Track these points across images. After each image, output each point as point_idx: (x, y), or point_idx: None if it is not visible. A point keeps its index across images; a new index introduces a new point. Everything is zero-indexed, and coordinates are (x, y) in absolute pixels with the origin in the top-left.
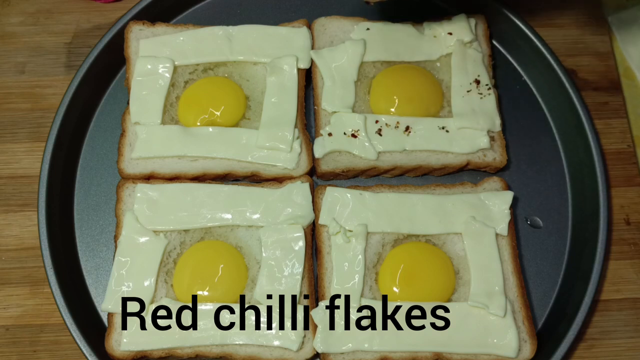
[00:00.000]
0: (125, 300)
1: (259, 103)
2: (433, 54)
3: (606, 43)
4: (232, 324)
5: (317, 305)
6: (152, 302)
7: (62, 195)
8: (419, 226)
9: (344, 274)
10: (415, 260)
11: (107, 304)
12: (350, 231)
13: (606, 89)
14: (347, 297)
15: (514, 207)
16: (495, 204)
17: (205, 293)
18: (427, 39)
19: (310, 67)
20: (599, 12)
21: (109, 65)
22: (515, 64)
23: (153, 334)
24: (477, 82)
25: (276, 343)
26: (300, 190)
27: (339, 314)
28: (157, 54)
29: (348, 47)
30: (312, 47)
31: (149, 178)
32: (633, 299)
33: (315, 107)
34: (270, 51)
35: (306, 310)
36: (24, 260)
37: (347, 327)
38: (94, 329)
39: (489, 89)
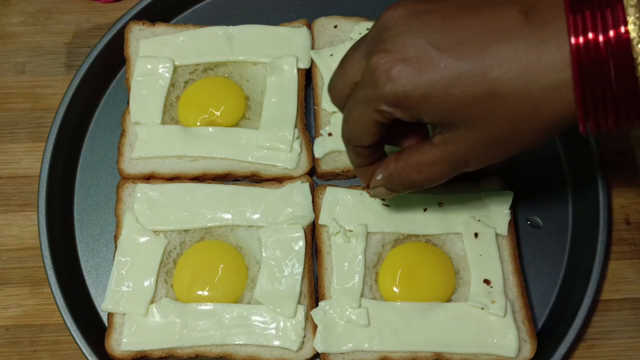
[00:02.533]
0: (125, 300)
1: (259, 103)
2: None
3: None
4: (232, 324)
5: (317, 305)
6: (152, 302)
7: (62, 195)
8: (419, 226)
9: (344, 274)
10: (415, 260)
11: (107, 304)
12: (350, 231)
13: None
14: (347, 297)
15: (514, 207)
16: (495, 203)
17: (205, 293)
18: None
19: (310, 67)
20: None
21: (109, 65)
22: None
23: (153, 334)
24: None
25: (276, 343)
26: (300, 190)
27: (339, 314)
28: (157, 54)
29: (348, 47)
30: (312, 47)
31: (149, 178)
32: (633, 299)
33: (315, 107)
34: (270, 51)
35: (306, 310)
36: (24, 260)
37: (347, 327)
38: (94, 329)
39: None
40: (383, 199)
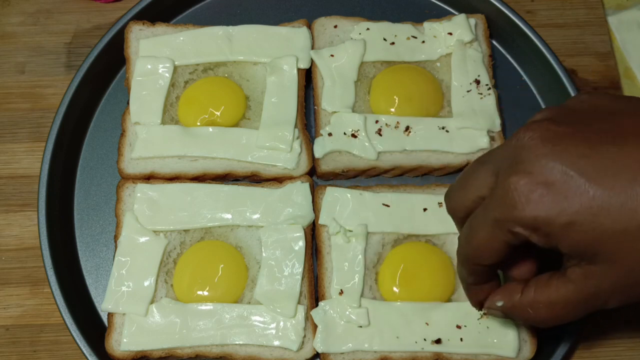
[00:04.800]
0: (125, 300)
1: (259, 103)
2: (433, 54)
3: (606, 43)
4: (232, 324)
5: (317, 305)
6: (152, 302)
7: (62, 195)
8: (419, 226)
9: (344, 274)
10: (415, 260)
11: (107, 304)
12: (350, 231)
13: (606, 89)
14: (347, 297)
15: None
16: None
17: (206, 293)
18: (427, 39)
19: (310, 67)
20: (599, 12)
21: (109, 65)
22: (515, 64)
23: (153, 334)
24: (477, 82)
25: (276, 343)
26: (300, 190)
27: (339, 314)
28: (157, 54)
29: (348, 47)
30: (312, 47)
31: (149, 178)
32: None
33: (315, 107)
34: (270, 51)
35: (306, 310)
36: (24, 260)
37: (347, 327)
38: (94, 329)
39: (489, 89)
40: (388, 205)
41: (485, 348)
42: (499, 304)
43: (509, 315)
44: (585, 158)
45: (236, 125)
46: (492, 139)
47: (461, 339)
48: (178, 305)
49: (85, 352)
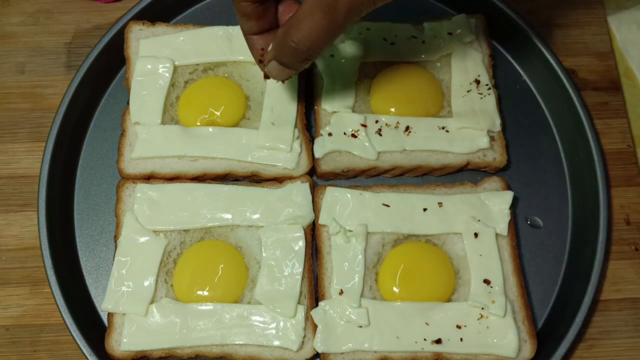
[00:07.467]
0: (125, 300)
1: (259, 103)
2: (433, 54)
3: (606, 43)
4: (232, 324)
5: (317, 305)
6: (152, 302)
7: (62, 195)
8: (419, 226)
9: (344, 274)
10: (415, 260)
11: (107, 304)
12: (350, 231)
13: (606, 89)
14: (347, 297)
15: (514, 207)
16: (495, 204)
17: (205, 293)
18: (427, 39)
19: (311, 67)
20: (599, 12)
21: (109, 65)
22: (515, 64)
23: (153, 334)
24: (477, 82)
25: (276, 343)
26: (300, 190)
27: (339, 314)
28: (157, 54)
29: (348, 47)
30: None
31: (149, 178)
32: (633, 299)
33: (315, 107)
34: None
35: (306, 310)
36: (24, 260)
37: (347, 327)
38: (94, 329)
39: (489, 89)
40: (388, 205)
41: (485, 348)
42: (269, 48)
43: (278, 59)
44: None
45: (236, 125)
46: (492, 138)
47: (461, 339)
48: (178, 305)
49: (85, 352)
